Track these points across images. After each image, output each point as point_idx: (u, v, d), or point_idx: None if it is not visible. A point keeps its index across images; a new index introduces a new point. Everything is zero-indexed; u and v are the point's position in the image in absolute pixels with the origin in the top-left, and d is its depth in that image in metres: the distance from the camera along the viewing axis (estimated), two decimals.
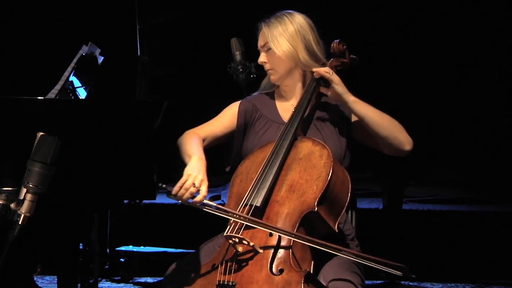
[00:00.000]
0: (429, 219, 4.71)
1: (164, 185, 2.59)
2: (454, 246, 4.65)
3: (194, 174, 2.59)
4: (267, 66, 2.89)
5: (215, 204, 2.58)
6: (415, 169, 4.31)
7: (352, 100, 2.78)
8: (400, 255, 4.45)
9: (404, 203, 4.47)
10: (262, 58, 2.88)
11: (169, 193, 2.58)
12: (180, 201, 2.58)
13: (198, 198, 2.56)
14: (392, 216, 4.40)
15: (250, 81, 3.41)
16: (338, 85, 2.78)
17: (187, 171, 2.62)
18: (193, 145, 2.77)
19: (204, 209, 2.58)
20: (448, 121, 5.47)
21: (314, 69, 2.82)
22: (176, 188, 2.57)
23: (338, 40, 2.96)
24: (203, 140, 2.88)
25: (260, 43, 2.88)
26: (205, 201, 2.57)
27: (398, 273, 2.44)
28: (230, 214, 2.59)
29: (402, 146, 2.80)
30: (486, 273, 4.55)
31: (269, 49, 2.85)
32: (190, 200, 2.58)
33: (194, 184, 2.57)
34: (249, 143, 2.89)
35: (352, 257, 2.50)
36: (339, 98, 2.80)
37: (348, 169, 2.75)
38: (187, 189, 2.56)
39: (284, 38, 2.82)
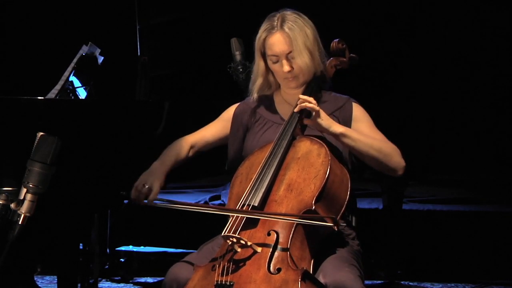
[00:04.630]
0: (429, 219, 4.71)
1: (124, 192, 2.79)
2: (454, 246, 4.64)
3: (145, 177, 2.72)
4: (294, 73, 2.79)
5: (166, 200, 2.68)
6: (415, 169, 4.30)
7: (340, 133, 2.71)
8: (400, 255, 4.47)
9: (404, 203, 4.47)
10: (288, 66, 2.77)
11: (129, 198, 2.72)
12: (138, 203, 2.70)
13: (150, 197, 2.67)
14: (392, 216, 4.40)
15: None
16: (323, 120, 2.70)
17: (142, 175, 2.74)
18: (165, 153, 2.86)
19: (167, 207, 2.69)
20: (448, 121, 5.47)
21: (299, 100, 2.72)
22: (132, 192, 2.70)
23: (337, 39, 2.95)
24: (192, 146, 2.91)
25: (283, 49, 2.76)
26: (160, 199, 2.68)
27: (329, 223, 2.47)
28: (189, 207, 2.71)
29: (392, 173, 2.77)
30: (486, 273, 4.55)
31: (294, 57, 2.77)
32: (146, 201, 2.69)
33: (144, 185, 2.68)
34: (248, 144, 2.88)
35: (278, 218, 2.52)
36: (325, 131, 2.72)
37: (349, 168, 2.76)
38: (138, 191, 2.68)
39: (308, 49, 2.77)
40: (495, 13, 5.33)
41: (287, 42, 2.77)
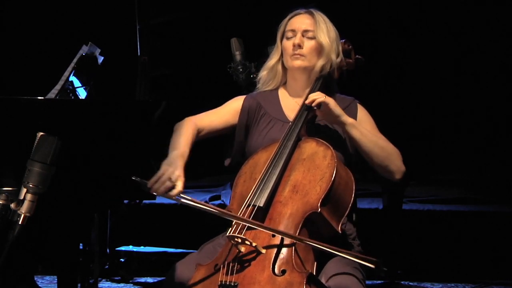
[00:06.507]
0: (429, 219, 4.71)
1: (138, 179, 2.59)
2: (454, 246, 4.64)
3: (171, 170, 2.60)
4: (302, 51, 2.84)
5: (190, 198, 2.59)
6: (415, 169, 4.30)
7: (350, 123, 2.77)
8: (400, 255, 4.47)
9: (404, 203, 4.47)
10: (300, 40, 2.84)
11: (144, 186, 2.59)
12: (155, 193, 2.60)
13: (174, 192, 2.58)
14: (392, 216, 4.40)
15: (250, 81, 3.41)
16: (336, 107, 2.75)
17: (164, 164, 2.64)
18: (182, 137, 2.77)
19: (182, 203, 2.61)
20: (448, 121, 5.47)
21: (308, 97, 2.77)
22: (152, 181, 2.59)
23: (344, 40, 2.96)
24: (201, 131, 2.87)
25: (302, 25, 2.85)
26: (182, 195, 2.59)
27: (371, 266, 2.46)
28: (208, 209, 2.60)
29: (391, 175, 2.80)
30: (486, 273, 4.55)
31: (310, 38, 2.85)
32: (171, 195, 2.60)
33: (170, 178, 2.58)
34: (253, 141, 2.88)
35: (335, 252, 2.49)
36: (335, 120, 2.77)
37: (350, 168, 2.75)
38: (162, 183, 2.58)
39: (327, 36, 2.85)
40: (496, 13, 5.33)
41: (309, 22, 2.87)
